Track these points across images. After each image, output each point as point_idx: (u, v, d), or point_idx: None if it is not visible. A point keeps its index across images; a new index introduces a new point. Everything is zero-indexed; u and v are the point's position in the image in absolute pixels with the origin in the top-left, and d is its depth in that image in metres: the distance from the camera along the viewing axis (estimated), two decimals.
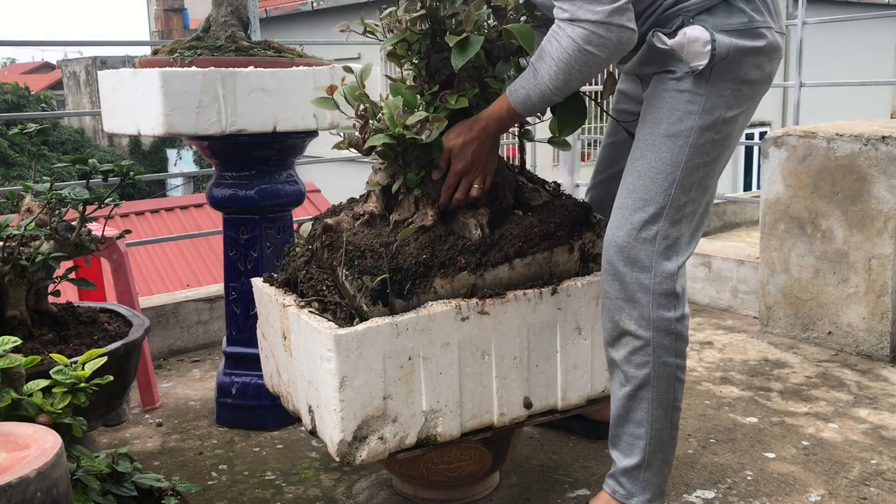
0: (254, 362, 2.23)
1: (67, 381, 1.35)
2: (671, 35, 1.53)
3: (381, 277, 1.49)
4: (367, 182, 1.70)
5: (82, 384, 1.36)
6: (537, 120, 1.72)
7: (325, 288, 1.60)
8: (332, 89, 1.61)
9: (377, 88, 2.28)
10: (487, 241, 1.59)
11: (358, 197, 1.78)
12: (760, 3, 1.55)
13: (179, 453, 2.16)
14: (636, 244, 1.54)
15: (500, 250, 1.59)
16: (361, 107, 1.60)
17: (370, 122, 1.59)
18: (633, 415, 1.59)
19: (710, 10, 1.52)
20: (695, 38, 1.50)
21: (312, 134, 2.22)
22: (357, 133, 1.60)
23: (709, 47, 1.49)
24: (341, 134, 1.65)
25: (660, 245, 1.54)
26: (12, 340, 1.35)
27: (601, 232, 1.70)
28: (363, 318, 1.51)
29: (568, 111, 1.64)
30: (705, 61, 1.50)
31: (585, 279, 1.68)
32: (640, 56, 1.60)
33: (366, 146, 1.55)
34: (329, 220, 1.65)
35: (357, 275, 1.51)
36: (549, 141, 1.71)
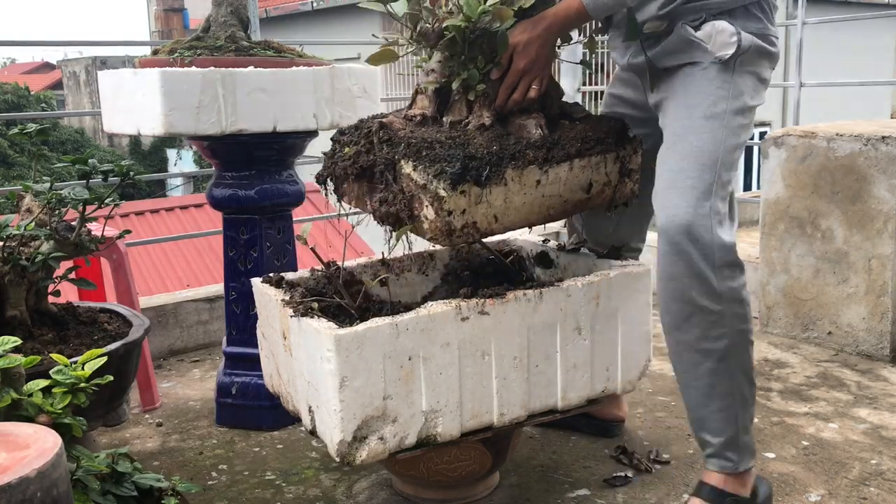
0: (254, 362, 2.22)
1: (67, 381, 1.35)
2: (696, 28, 1.62)
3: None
4: (418, 84, 1.69)
5: (82, 384, 1.36)
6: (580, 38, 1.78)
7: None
8: None
9: (378, 89, 2.28)
10: (549, 140, 1.62)
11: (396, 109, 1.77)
12: (770, 14, 1.66)
13: (179, 453, 2.16)
14: (696, 220, 1.57)
15: (563, 149, 1.63)
16: None
17: (435, 12, 1.59)
18: (718, 389, 1.63)
19: (731, 13, 1.62)
20: (722, 28, 1.61)
21: (312, 134, 2.22)
22: (426, 22, 1.59)
23: (735, 38, 1.60)
24: (386, 39, 1.66)
25: (715, 220, 1.58)
26: (12, 340, 1.35)
27: (637, 147, 1.75)
28: (364, 320, 1.51)
29: (634, 20, 1.69)
30: (731, 51, 1.60)
31: (585, 279, 1.68)
32: (667, 45, 1.66)
33: (444, 25, 1.55)
34: (383, 119, 1.64)
35: (429, 163, 1.50)
36: (581, 62, 1.85)
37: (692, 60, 1.64)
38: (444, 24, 1.57)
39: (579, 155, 1.64)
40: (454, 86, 1.63)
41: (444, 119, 1.65)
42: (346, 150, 1.65)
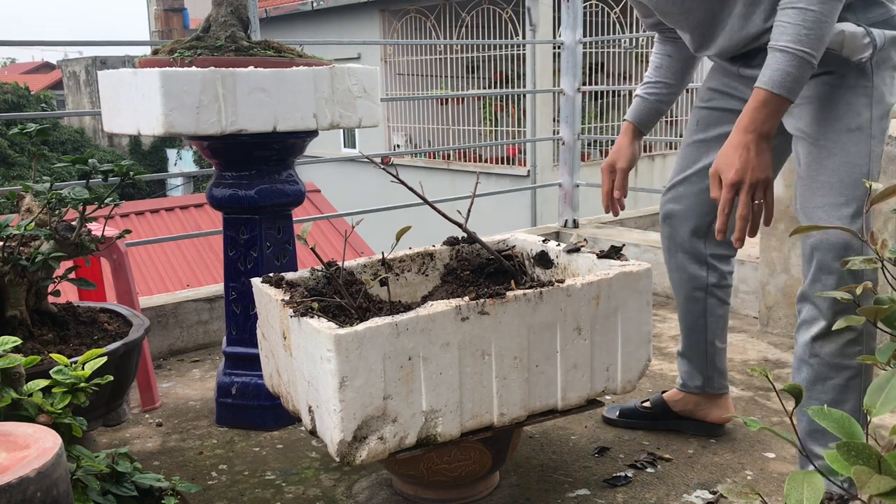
0: (254, 362, 2.22)
1: (67, 381, 1.35)
2: None
3: None
4: None
5: (82, 384, 1.36)
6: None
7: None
8: None
9: (378, 89, 2.28)
10: None
11: None
12: None
13: (179, 453, 2.16)
14: (851, 241, 1.54)
15: None
16: None
17: None
18: (845, 406, 1.61)
19: (849, 7, 1.55)
20: (852, 32, 1.53)
21: (312, 134, 2.22)
22: None
23: (867, 39, 1.53)
24: None
25: (867, 237, 1.53)
26: (12, 340, 1.35)
27: None
28: (364, 320, 1.51)
29: None
30: (868, 52, 1.53)
31: (585, 279, 1.68)
32: None
33: None
34: None
35: None
36: None
37: (826, 70, 1.56)
38: None
39: None
40: None
41: None
42: None
